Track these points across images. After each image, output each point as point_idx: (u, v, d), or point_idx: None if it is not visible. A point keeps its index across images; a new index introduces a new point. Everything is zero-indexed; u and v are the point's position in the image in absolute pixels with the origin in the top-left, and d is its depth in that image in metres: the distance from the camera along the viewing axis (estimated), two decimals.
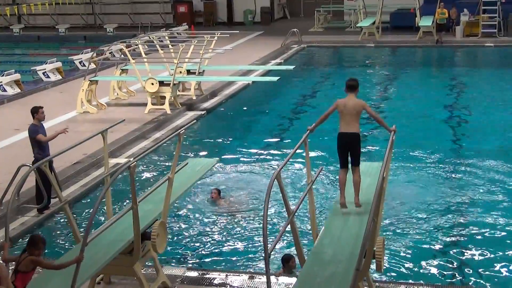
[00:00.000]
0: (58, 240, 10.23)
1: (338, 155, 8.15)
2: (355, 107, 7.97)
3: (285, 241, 9.71)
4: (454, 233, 10.27)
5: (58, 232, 10.58)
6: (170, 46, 21.29)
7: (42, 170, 7.70)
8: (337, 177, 8.32)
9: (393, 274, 8.98)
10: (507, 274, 8.93)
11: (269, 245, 5.71)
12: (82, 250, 6.27)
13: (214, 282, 8.34)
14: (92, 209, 8.98)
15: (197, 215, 11.19)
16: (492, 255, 9.46)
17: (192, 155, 13.99)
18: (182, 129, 8.38)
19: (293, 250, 8.62)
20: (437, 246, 9.79)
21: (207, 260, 9.69)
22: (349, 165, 8.14)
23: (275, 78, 17.56)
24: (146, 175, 13.08)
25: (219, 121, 17.73)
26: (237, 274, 8.63)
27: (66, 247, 9.75)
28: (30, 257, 6.51)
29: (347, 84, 8.22)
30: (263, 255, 5.74)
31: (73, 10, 38.61)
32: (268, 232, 6.19)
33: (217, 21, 37.93)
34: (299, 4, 41.30)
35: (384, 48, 28.98)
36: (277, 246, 9.15)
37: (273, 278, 8.24)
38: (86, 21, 39.03)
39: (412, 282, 8.61)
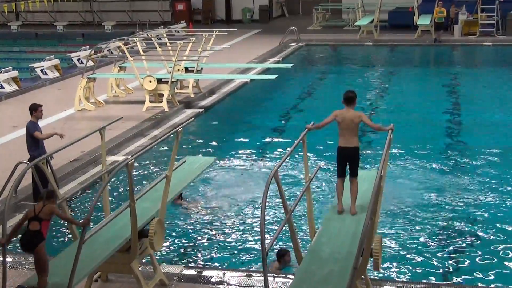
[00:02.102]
0: (55, 238, 10.22)
1: (337, 165, 8.11)
2: (353, 120, 7.85)
3: (283, 240, 9.70)
4: (453, 231, 10.27)
5: (55, 229, 10.55)
6: (168, 44, 21.26)
7: (40, 167, 7.69)
8: (335, 175, 8.30)
9: (390, 272, 8.98)
10: (507, 273, 8.93)
11: (267, 243, 5.71)
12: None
13: (211, 280, 8.33)
14: (89, 207, 8.97)
15: (194, 213, 11.18)
16: (491, 254, 9.46)
17: (190, 152, 13.97)
18: (180, 126, 8.37)
19: (290, 249, 8.61)
20: (436, 245, 9.78)
21: (204, 258, 9.69)
22: (347, 175, 8.06)
23: (273, 76, 17.55)
24: (144, 172, 13.07)
25: (217, 119, 17.72)
26: (235, 272, 8.63)
27: (64, 244, 9.73)
28: (52, 206, 6.73)
29: (344, 96, 8.01)
30: (261, 253, 5.74)
31: (71, 7, 38.61)
32: (265, 230, 6.18)
33: (215, 19, 37.93)
34: (298, 2, 41.32)
35: (382, 46, 28.99)
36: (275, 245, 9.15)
37: (270, 276, 8.24)
38: (84, 19, 38.98)
39: (410, 280, 8.61)
